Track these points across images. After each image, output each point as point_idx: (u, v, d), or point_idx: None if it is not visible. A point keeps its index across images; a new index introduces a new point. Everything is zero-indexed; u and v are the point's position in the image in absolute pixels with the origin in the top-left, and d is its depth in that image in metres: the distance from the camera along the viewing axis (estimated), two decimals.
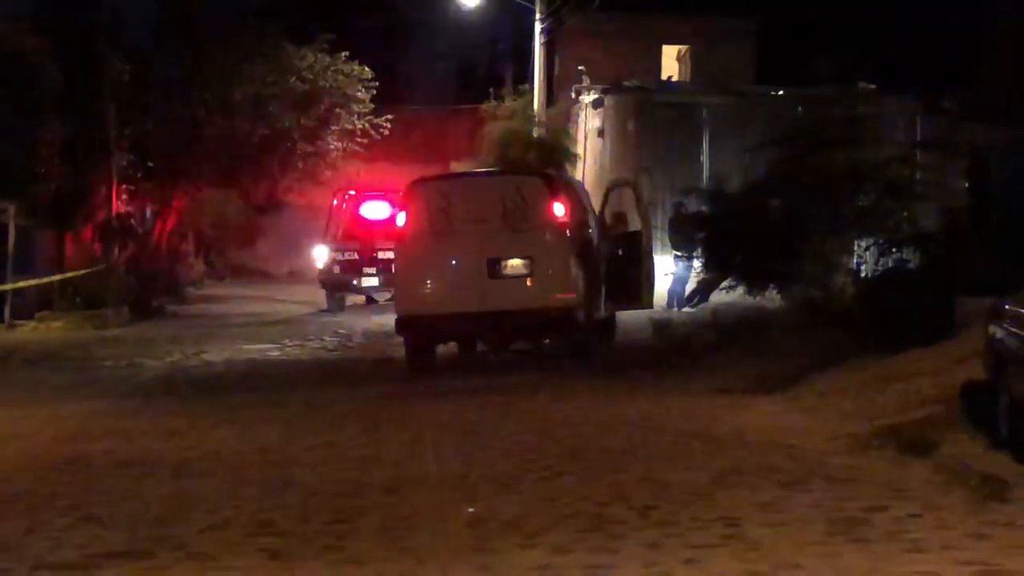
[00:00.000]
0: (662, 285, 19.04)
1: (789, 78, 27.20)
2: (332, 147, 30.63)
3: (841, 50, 15.62)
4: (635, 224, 17.65)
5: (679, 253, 19.96)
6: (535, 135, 31.22)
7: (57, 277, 23.86)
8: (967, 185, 18.17)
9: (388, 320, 17.81)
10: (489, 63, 42.58)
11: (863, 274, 14.55)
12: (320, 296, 26.68)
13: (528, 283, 14.82)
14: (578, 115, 31.61)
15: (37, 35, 24.12)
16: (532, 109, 32.14)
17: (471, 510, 7.59)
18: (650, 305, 17.13)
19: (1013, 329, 8.51)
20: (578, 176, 28.47)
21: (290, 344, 19.41)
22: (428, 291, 15.00)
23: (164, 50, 28.19)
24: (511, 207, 14.92)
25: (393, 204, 23.42)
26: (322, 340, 19.95)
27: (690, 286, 19.93)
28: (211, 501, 8.09)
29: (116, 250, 26.03)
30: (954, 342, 11.74)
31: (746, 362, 13.59)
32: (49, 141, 24.38)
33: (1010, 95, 23.34)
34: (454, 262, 14.98)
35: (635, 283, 16.50)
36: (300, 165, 30.46)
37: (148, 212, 30.33)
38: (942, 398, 9.99)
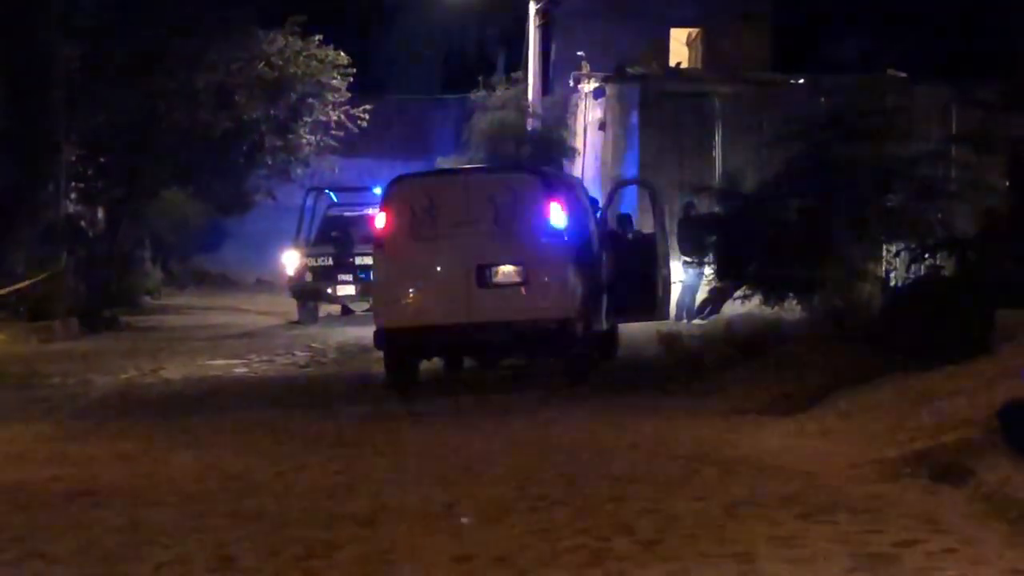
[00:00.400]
0: (671, 294, 19.06)
1: (810, 65, 27.32)
2: (304, 141, 30.67)
3: (867, 34, 15.66)
4: (637, 226, 17.70)
5: (689, 259, 19.99)
6: (529, 128, 31.30)
7: None
8: (1007, 184, 18.19)
9: (366, 333, 17.76)
10: (478, 48, 42.62)
11: (892, 282, 14.58)
12: (291, 306, 26.67)
13: (521, 292, 14.82)
14: (577, 106, 31.67)
15: None
16: (526, 99, 32.21)
17: (465, 520, 7.55)
18: (666, 316, 17.17)
19: None
20: (577, 173, 28.52)
21: (257, 360, 19.38)
22: (410, 301, 14.99)
23: (119, 33, 28.16)
24: (502, 208, 14.92)
25: (372, 204, 23.46)
26: (293, 355, 19.93)
27: (701, 296, 19.95)
28: (168, 534, 8.06)
29: (64, 255, 25.99)
30: (993, 358, 11.72)
31: (762, 380, 13.58)
32: None
33: None
34: (439, 269, 14.97)
35: (649, 292, 16.53)
36: (269, 161, 30.50)
37: (100, 213, 30.32)
38: (980, 420, 9.97)
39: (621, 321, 17.03)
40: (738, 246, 15.53)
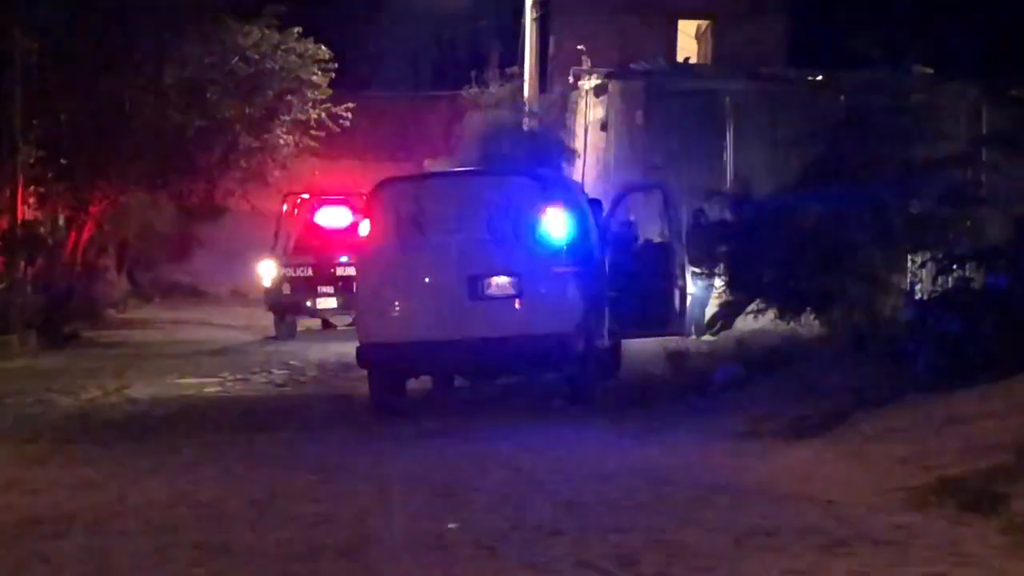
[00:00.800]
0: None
1: (829, 60, 27.33)
2: (282, 141, 30.66)
3: (891, 27, 15.69)
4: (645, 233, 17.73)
5: (698, 270, 19.99)
6: (525, 127, 31.30)
7: None
8: None
9: (349, 349, 17.77)
10: (470, 41, 42.64)
11: (918, 295, 14.59)
12: (267, 320, 26.67)
13: (516, 305, 14.82)
14: (577, 104, 31.69)
15: None
16: (522, 97, 32.22)
17: (452, 526, 7.54)
18: (683, 332, 17.19)
19: None
20: (577, 176, 28.54)
21: (231, 378, 19.38)
22: (396, 315, 14.99)
23: (83, 24, 28.14)
24: (496, 214, 14.93)
25: (355, 210, 23.48)
26: (269, 373, 19.93)
27: (710, 309, 19.95)
28: (134, 567, 8.05)
29: (22, 265, 25.97)
30: None
31: (777, 401, 13.58)
32: None
33: None
34: (428, 280, 14.97)
35: (663, 305, 16.55)
36: (244, 163, 30.46)
37: (61, 219, 30.28)
38: (1012, 444, 9.98)
39: (631, 337, 17.06)
40: (751, 256, 15.55)
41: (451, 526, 7.55)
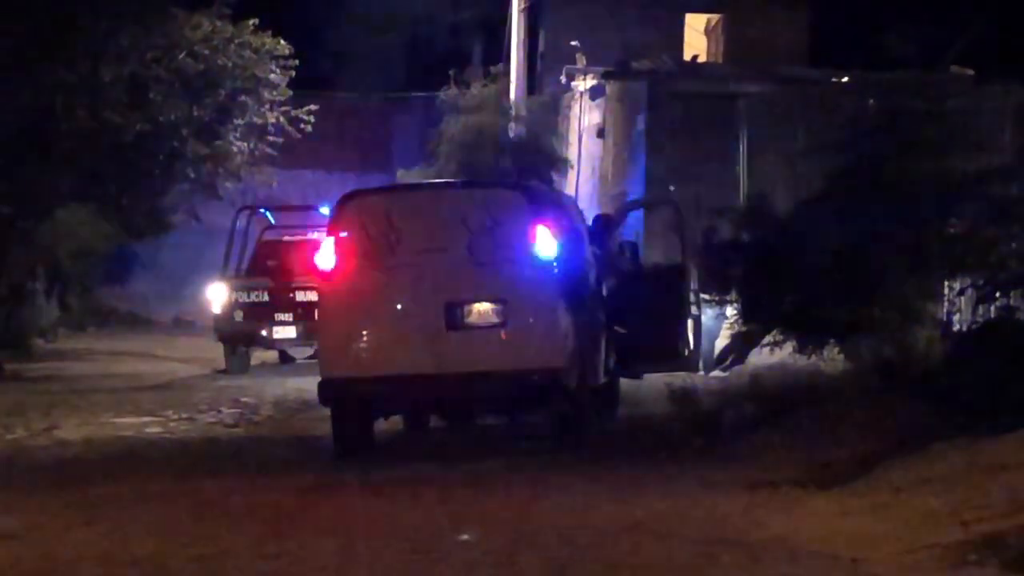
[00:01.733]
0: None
1: (855, 59, 27.43)
2: (235, 148, 30.68)
3: (925, 23, 15.74)
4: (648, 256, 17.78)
5: (708, 296, 20.02)
6: (512, 134, 31.38)
7: None
8: None
9: (310, 385, 17.76)
10: (450, 36, 42.77)
11: (955, 326, 14.62)
12: (216, 352, 26.64)
13: (500, 336, 14.83)
14: (570, 108, 31.81)
15: None
16: (507, 99, 32.30)
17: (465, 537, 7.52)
18: (696, 367, 17.23)
19: None
20: (570, 189, 28.60)
21: (175, 418, 19.36)
22: (364, 346, 14.99)
23: (8, 15, 28.15)
24: (478, 232, 14.95)
25: (317, 227, 23.47)
26: (219, 412, 19.91)
27: (721, 342, 19.98)
28: None
29: None
30: None
31: (796, 445, 13.60)
32: None
33: None
34: (400, 307, 14.98)
35: (674, 335, 16.60)
36: (191, 173, 30.48)
37: None
38: None
39: (637, 372, 17.12)
40: (768, 280, 15.58)
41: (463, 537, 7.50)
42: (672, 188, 26.01)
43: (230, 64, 29.96)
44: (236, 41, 30.04)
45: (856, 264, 14.79)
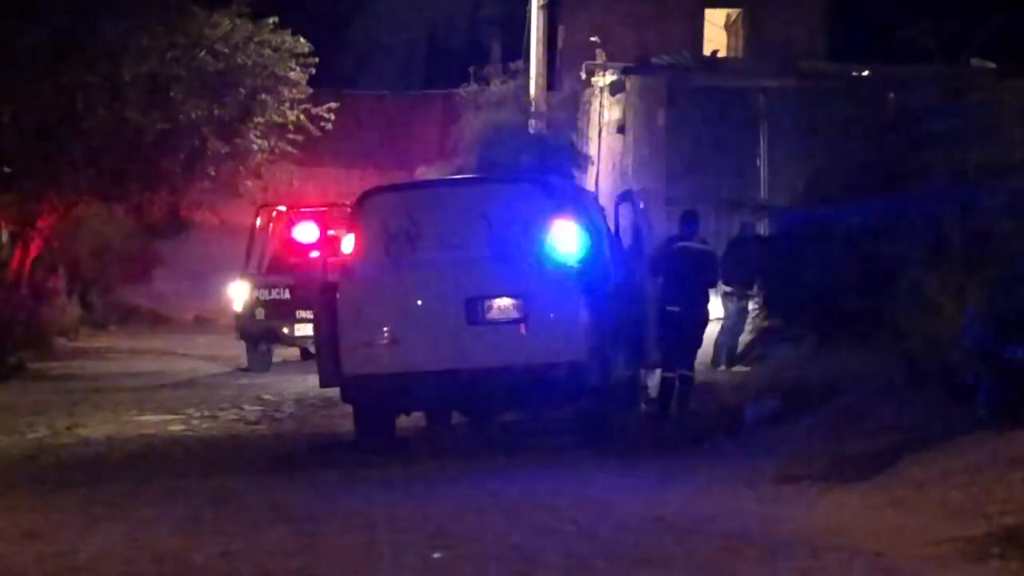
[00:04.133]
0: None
1: (875, 52, 27.36)
2: (256, 146, 30.67)
3: (946, 15, 15.70)
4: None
5: (729, 289, 19.99)
6: (531, 130, 31.36)
7: None
8: None
9: None
10: (469, 34, 42.74)
11: (976, 320, 14.56)
12: (238, 349, 26.66)
13: (521, 331, 14.84)
14: (590, 103, 31.74)
15: None
16: (527, 95, 32.28)
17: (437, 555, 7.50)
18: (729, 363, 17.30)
19: None
20: (590, 185, 28.58)
21: (197, 415, 19.39)
22: (386, 343, 15.00)
23: (29, 14, 28.19)
24: (498, 227, 14.96)
25: (337, 224, 23.48)
26: (240, 410, 19.94)
27: (744, 337, 19.97)
28: None
29: None
30: None
31: (819, 439, 13.59)
32: None
33: None
34: (421, 303, 14.99)
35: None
36: (212, 171, 30.47)
37: (4, 235, 30.33)
38: None
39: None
40: (789, 275, 15.57)
41: (436, 555, 7.51)
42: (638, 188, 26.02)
43: (250, 62, 29.92)
44: (256, 39, 30.01)
45: (876, 258, 14.78)
